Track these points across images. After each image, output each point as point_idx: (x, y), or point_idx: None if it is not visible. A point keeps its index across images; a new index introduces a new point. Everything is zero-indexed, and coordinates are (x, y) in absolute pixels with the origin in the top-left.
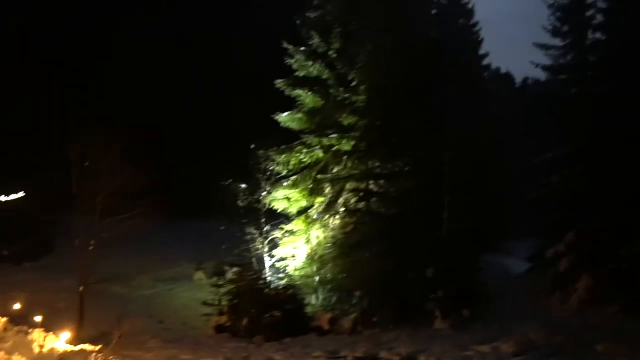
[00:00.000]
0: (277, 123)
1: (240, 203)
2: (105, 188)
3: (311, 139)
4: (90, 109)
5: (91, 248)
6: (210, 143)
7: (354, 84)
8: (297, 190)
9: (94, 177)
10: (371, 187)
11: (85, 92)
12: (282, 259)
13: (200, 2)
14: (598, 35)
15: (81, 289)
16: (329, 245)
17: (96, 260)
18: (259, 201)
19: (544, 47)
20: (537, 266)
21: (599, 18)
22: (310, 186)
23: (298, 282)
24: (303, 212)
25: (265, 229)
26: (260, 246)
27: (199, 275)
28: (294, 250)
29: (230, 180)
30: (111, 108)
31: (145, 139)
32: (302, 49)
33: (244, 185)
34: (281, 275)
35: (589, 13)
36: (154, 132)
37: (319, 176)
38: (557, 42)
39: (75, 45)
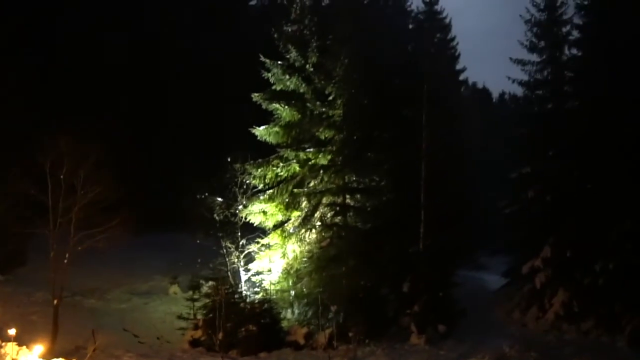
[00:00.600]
0: (254, 136)
1: (216, 216)
2: (80, 200)
3: (288, 153)
4: (65, 121)
5: (65, 261)
6: (186, 156)
7: (330, 97)
8: (274, 203)
9: (69, 189)
10: (347, 201)
11: (60, 104)
12: (258, 273)
13: (173, 17)
14: (574, 51)
15: (55, 301)
16: (305, 259)
17: (70, 273)
18: (235, 214)
19: (521, 62)
20: (513, 281)
21: (575, 34)
22: (287, 200)
23: (274, 296)
24: (279, 225)
25: (241, 243)
26: (235, 260)
27: (174, 288)
28: (270, 264)
29: (206, 194)
30: (86, 120)
31: (120, 151)
32: (279, 62)
33: (220, 199)
34: (257, 289)
35: (565, 29)
36: (128, 144)
37: (295, 190)
38: (534, 57)
39: (49, 58)
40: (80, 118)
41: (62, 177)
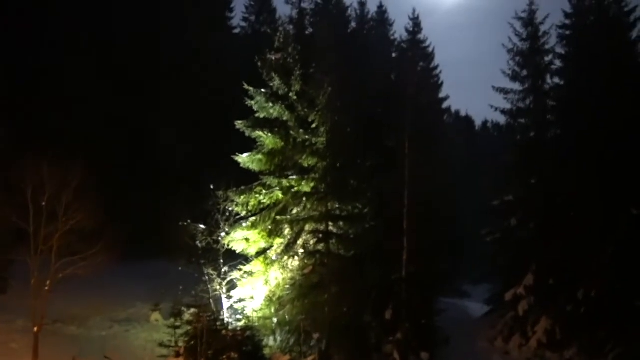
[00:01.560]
0: (237, 163)
1: (198, 243)
2: (62, 227)
3: (271, 180)
4: (47, 147)
5: (47, 288)
6: (169, 182)
7: (314, 125)
8: (256, 231)
9: (50, 215)
10: (330, 228)
11: (42, 130)
12: (240, 300)
13: (156, 44)
14: (556, 80)
15: (36, 329)
16: (287, 286)
17: (51, 300)
18: (217, 242)
19: (503, 90)
20: (496, 308)
21: (557, 63)
22: (270, 227)
23: (256, 324)
24: (262, 253)
25: (223, 270)
26: (218, 287)
27: (156, 316)
28: (253, 291)
29: (189, 221)
30: (68, 146)
31: (102, 177)
32: (263, 90)
33: (202, 226)
34: (239, 317)
35: (547, 58)
36: (111, 171)
37: (278, 217)
38: (516, 86)
39: (30, 83)
40: (62, 144)
41: (43, 203)
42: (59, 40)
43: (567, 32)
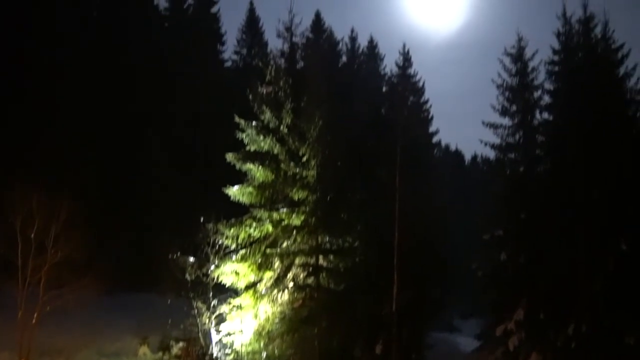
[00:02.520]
0: (227, 196)
1: (187, 276)
2: (50, 259)
3: (261, 213)
4: (36, 179)
5: (34, 320)
6: (158, 215)
7: (304, 158)
8: (246, 264)
9: (39, 247)
10: (320, 262)
11: (31, 163)
12: (229, 334)
13: (148, 76)
14: (545, 115)
15: None
16: (277, 320)
17: (38, 333)
18: (206, 275)
19: (493, 125)
20: (487, 343)
21: (546, 99)
22: (259, 260)
23: (245, 358)
24: (251, 286)
25: (212, 303)
26: (207, 320)
27: (144, 349)
28: (242, 325)
29: (178, 253)
30: (57, 179)
31: (91, 210)
32: (254, 123)
33: (192, 259)
34: (228, 351)
35: (537, 94)
36: (99, 203)
37: (268, 250)
38: (506, 121)
39: (19, 116)
40: (52, 176)
41: (32, 235)
42: (51, 71)
43: (556, 68)
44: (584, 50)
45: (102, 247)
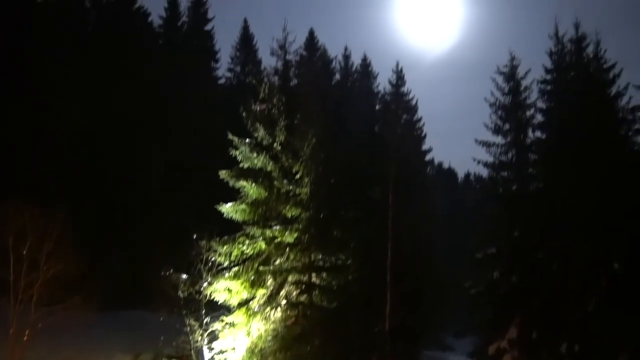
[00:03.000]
0: (220, 213)
1: (180, 293)
2: (43, 276)
3: (254, 230)
4: (30, 196)
5: (25, 338)
6: (151, 232)
7: (297, 176)
8: (239, 281)
9: (31, 264)
10: (313, 279)
11: (24, 180)
12: (222, 352)
13: (142, 94)
14: (538, 134)
15: None
16: (269, 338)
17: (29, 350)
18: (199, 292)
19: (486, 144)
20: None
21: (539, 117)
22: (252, 278)
23: None
24: (244, 303)
25: (205, 321)
26: (199, 338)
27: None
28: (234, 342)
29: (171, 270)
30: (50, 196)
31: (84, 227)
32: (247, 140)
33: (184, 276)
34: None
35: (529, 112)
36: (92, 220)
37: (261, 268)
38: (499, 139)
39: (12, 133)
40: (45, 193)
41: (24, 252)
42: (43, 89)
43: (548, 87)
44: (576, 70)
45: (94, 264)
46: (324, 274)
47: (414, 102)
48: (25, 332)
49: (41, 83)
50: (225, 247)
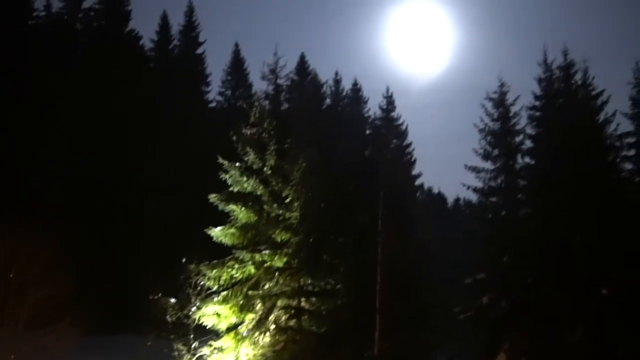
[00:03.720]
0: (210, 237)
1: (168, 318)
2: (30, 299)
3: (243, 254)
4: (18, 218)
5: None
6: (140, 255)
7: (287, 200)
8: (228, 305)
9: (19, 287)
10: (303, 304)
11: (13, 201)
12: None
13: (132, 117)
14: (527, 159)
15: None
16: None
17: None
18: (188, 316)
19: (475, 169)
20: None
21: (528, 143)
22: (241, 302)
23: None
24: (233, 328)
25: (193, 345)
26: None
27: None
28: None
29: (160, 294)
30: (39, 218)
31: (72, 249)
32: (237, 164)
33: (173, 300)
34: None
35: (518, 138)
36: (80, 243)
37: (250, 292)
38: (488, 165)
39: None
40: (33, 215)
41: (11, 275)
42: (31, 114)
43: (537, 114)
44: (564, 97)
45: (83, 288)
46: (314, 299)
47: (404, 127)
48: (11, 355)
49: (30, 108)
50: (214, 271)
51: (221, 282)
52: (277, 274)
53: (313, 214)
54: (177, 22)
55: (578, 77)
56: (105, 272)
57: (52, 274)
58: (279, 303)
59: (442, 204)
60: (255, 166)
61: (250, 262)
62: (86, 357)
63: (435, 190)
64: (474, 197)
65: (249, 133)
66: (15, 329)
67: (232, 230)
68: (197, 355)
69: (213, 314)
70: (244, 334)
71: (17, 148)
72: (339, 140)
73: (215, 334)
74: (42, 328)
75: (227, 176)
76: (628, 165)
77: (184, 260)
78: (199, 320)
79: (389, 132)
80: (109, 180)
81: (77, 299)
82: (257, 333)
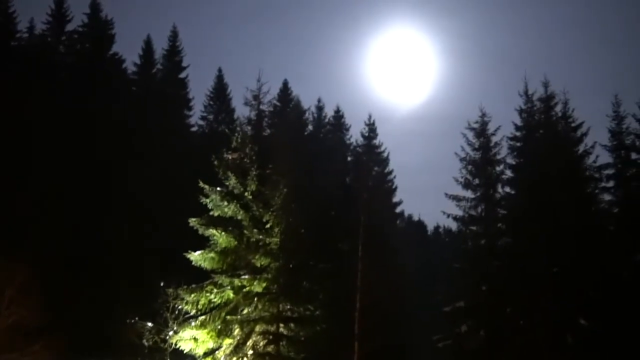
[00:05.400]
0: (189, 261)
1: (145, 342)
2: (3, 323)
3: (222, 279)
4: None
5: None
6: (116, 279)
7: (268, 225)
8: (205, 330)
9: None
10: (281, 330)
11: None
12: None
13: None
14: (507, 189)
15: None
16: None
17: None
18: (165, 341)
19: (455, 198)
20: None
21: (508, 173)
22: (219, 327)
23: None
24: (210, 353)
25: None
26: None
27: None
28: None
29: (136, 318)
30: (13, 243)
31: (47, 274)
32: (218, 189)
33: (150, 324)
34: None
35: (499, 168)
36: (55, 267)
37: (229, 317)
38: (468, 194)
39: None
40: (8, 240)
41: None
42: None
43: (518, 144)
44: (544, 128)
45: (57, 312)
46: (292, 325)
47: (385, 154)
48: None
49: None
50: (192, 296)
51: (199, 307)
52: (256, 299)
53: (293, 240)
54: (160, 47)
55: (558, 108)
56: (80, 295)
57: (26, 298)
58: (258, 328)
59: (422, 231)
60: (236, 191)
61: (229, 287)
62: None
63: (416, 218)
64: (454, 225)
65: (230, 158)
66: None
67: (212, 254)
68: None
69: (190, 338)
70: (222, 359)
71: None
72: (320, 166)
73: (192, 359)
74: (15, 352)
75: (208, 200)
76: (607, 197)
77: (162, 284)
78: (176, 344)
79: (370, 159)
80: (85, 204)
81: (52, 324)
82: (234, 358)
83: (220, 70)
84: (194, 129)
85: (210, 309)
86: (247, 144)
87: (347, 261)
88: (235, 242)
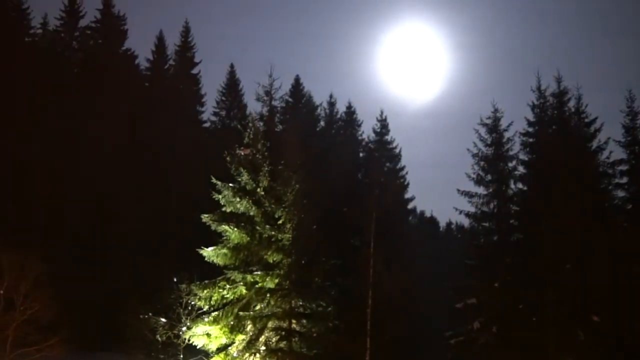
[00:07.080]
0: (201, 257)
1: (158, 337)
2: (18, 317)
3: (235, 275)
4: (7, 237)
5: None
6: (130, 275)
7: (280, 221)
8: (218, 326)
9: (7, 305)
10: (294, 326)
11: (1, 222)
12: None
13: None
14: (520, 185)
15: None
16: None
17: None
18: (178, 336)
19: (468, 194)
20: None
21: (521, 169)
22: (232, 323)
23: None
24: (223, 349)
25: None
26: None
27: None
28: None
29: (150, 314)
30: (28, 238)
31: (62, 269)
32: (231, 185)
33: (163, 319)
34: None
35: (511, 164)
36: (69, 262)
37: (241, 313)
38: (480, 190)
39: None
40: (22, 235)
41: (1, 292)
42: (21, 134)
43: (530, 140)
44: (557, 124)
45: (71, 307)
46: (304, 321)
47: (397, 150)
48: None
49: (19, 128)
50: (205, 291)
51: (212, 303)
52: (268, 295)
53: (305, 236)
54: (173, 42)
55: (571, 104)
56: (94, 291)
57: (40, 293)
58: (270, 324)
59: (434, 227)
60: (248, 187)
61: (241, 283)
62: None
63: (428, 214)
64: (466, 222)
65: (242, 154)
66: (3, 348)
67: (224, 250)
68: None
69: (203, 334)
70: (234, 354)
71: (5, 168)
72: (332, 162)
73: (205, 355)
74: (30, 347)
75: (220, 196)
76: (620, 193)
77: (175, 279)
78: (189, 340)
79: (382, 155)
80: (97, 199)
81: (67, 318)
82: (247, 354)
83: (232, 66)
84: (206, 124)
85: (223, 305)
86: (259, 139)
87: (358, 257)
88: (248, 238)
